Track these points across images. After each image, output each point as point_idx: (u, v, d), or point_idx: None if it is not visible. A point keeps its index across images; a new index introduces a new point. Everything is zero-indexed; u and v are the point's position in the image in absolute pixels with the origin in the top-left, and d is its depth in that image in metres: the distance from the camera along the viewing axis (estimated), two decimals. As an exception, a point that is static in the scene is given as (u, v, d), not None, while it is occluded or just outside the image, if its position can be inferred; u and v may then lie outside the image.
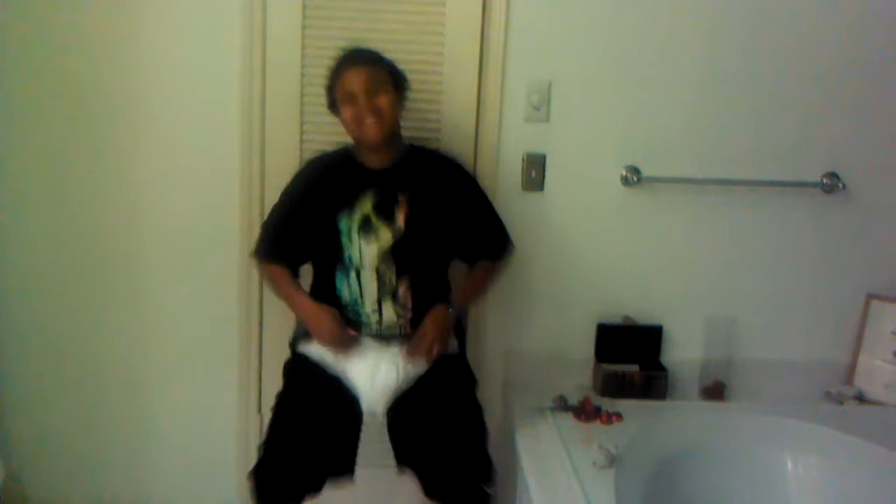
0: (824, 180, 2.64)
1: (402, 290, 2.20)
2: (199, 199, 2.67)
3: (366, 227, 2.19)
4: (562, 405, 2.52)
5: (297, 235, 2.28)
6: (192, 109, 2.62)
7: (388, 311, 2.21)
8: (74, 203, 2.67)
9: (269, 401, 2.41)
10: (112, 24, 2.57)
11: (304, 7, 2.54)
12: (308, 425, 2.23)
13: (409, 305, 2.21)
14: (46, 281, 2.72)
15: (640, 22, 2.57)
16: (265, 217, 2.42)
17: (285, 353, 2.37)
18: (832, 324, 2.77)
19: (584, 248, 2.69)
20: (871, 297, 2.73)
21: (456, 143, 2.60)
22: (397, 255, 2.19)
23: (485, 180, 2.59)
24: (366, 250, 2.19)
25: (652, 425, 2.46)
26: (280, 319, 2.59)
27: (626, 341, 2.69)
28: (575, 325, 2.71)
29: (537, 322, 2.72)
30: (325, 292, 2.24)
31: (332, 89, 2.22)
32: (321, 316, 2.19)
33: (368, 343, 2.20)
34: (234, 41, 2.57)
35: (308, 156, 2.50)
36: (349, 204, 2.20)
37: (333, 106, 2.23)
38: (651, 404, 2.60)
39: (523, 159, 2.62)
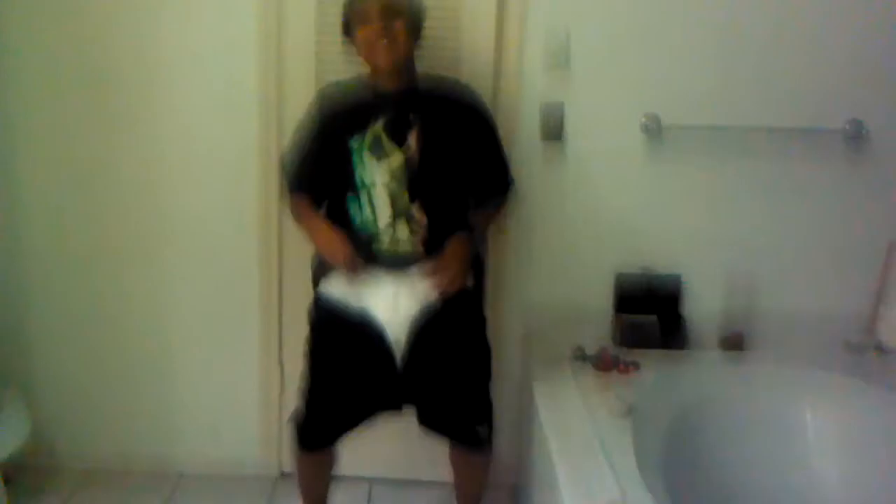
0: (847, 126, 2.60)
1: (415, 211, 2.18)
2: (218, 177, 2.70)
3: (376, 147, 2.16)
4: (580, 355, 2.53)
5: (316, 163, 2.25)
6: (210, 96, 2.64)
7: (402, 229, 2.18)
8: (95, 191, 2.71)
9: (290, 354, 2.43)
10: (130, 14, 2.59)
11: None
12: (342, 368, 2.26)
13: (424, 224, 2.18)
14: (71, 246, 2.76)
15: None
16: (286, 148, 2.40)
17: (304, 307, 2.37)
18: (853, 273, 2.73)
19: (603, 197, 2.67)
20: (893, 245, 2.69)
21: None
22: (409, 177, 2.16)
23: (504, 129, 2.56)
24: (377, 170, 2.16)
25: (670, 375, 2.47)
26: (299, 272, 2.60)
27: (645, 291, 2.67)
28: (594, 276, 2.70)
29: (556, 273, 2.71)
30: (338, 217, 2.22)
31: (347, 10, 2.16)
32: (333, 239, 2.16)
33: (384, 272, 2.19)
34: (251, 31, 2.59)
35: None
36: (360, 125, 2.17)
37: (347, 29, 2.17)
38: (669, 354, 2.60)
39: (541, 108, 2.59)
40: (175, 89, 2.63)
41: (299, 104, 2.40)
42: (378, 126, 2.16)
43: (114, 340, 2.83)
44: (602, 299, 2.70)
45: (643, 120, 2.59)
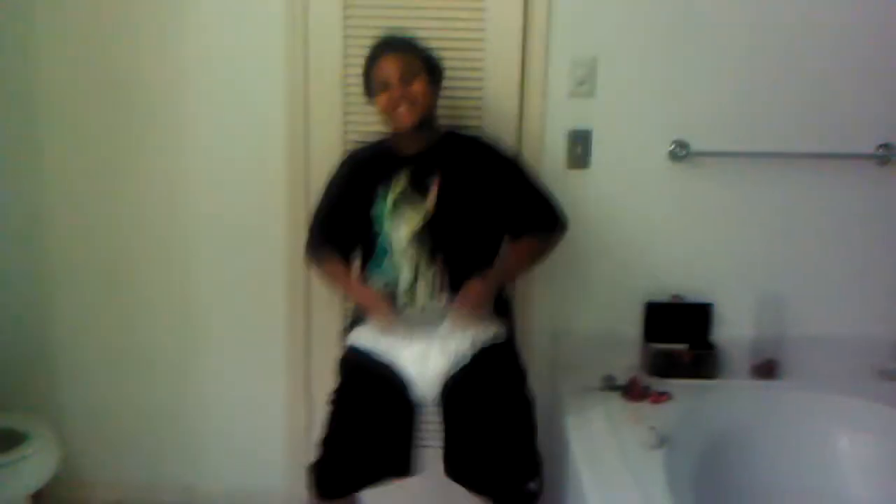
0: (879, 151, 2.57)
1: (436, 271, 2.17)
2: (244, 187, 2.69)
3: (396, 210, 2.17)
4: (610, 385, 2.50)
5: (341, 227, 2.29)
6: (236, 101, 2.64)
7: (422, 293, 2.17)
8: (121, 196, 2.72)
9: (317, 386, 2.42)
10: (155, 18, 2.60)
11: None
12: (365, 420, 2.23)
13: (446, 285, 2.17)
14: (97, 273, 2.78)
15: (686, -7, 2.52)
16: (311, 215, 2.41)
17: (331, 338, 2.38)
18: (885, 299, 2.69)
19: (631, 225, 2.65)
20: (926, 271, 2.67)
21: (499, 120, 2.57)
22: (429, 236, 2.17)
23: (529, 158, 2.57)
24: (395, 234, 2.17)
25: (701, 405, 2.44)
26: (326, 304, 2.61)
27: (675, 319, 2.65)
28: (623, 304, 2.67)
29: (585, 301, 2.69)
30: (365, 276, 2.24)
31: (367, 76, 2.22)
32: (372, 294, 2.19)
33: (415, 327, 2.18)
34: (277, 31, 2.58)
35: (351, 146, 2.49)
36: (382, 190, 2.19)
37: (369, 92, 2.23)
38: (701, 383, 2.57)
39: (568, 136, 2.59)
40: (201, 89, 2.64)
41: (326, 104, 2.53)
42: (398, 189, 2.18)
43: (142, 369, 2.83)
44: (631, 328, 2.68)
45: (671, 146, 2.58)
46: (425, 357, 2.17)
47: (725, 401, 2.51)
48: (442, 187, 2.17)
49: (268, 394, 2.81)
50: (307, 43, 2.57)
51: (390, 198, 2.17)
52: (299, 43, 2.57)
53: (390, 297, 2.18)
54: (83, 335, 2.82)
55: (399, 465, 2.26)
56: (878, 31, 2.53)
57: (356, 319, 2.29)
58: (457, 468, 2.23)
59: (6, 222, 2.73)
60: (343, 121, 2.60)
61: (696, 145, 2.57)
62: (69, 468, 2.77)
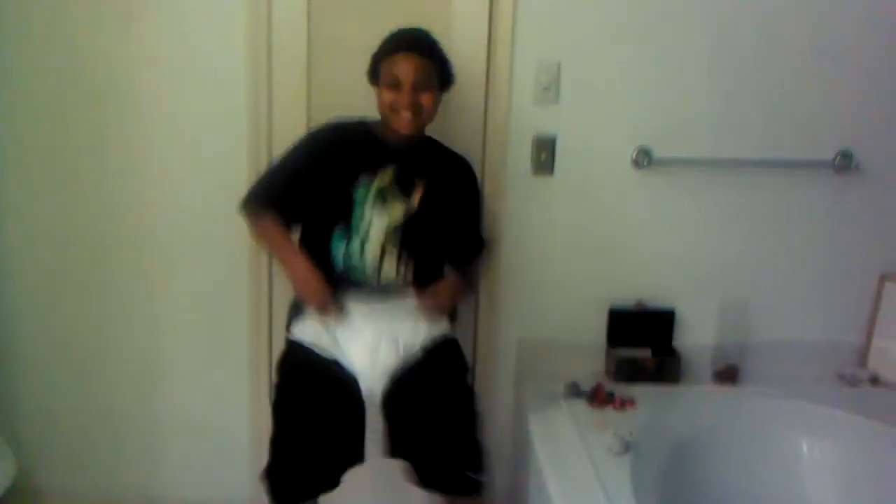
0: (837, 160, 2.61)
1: (404, 256, 2.17)
2: (207, 189, 2.64)
3: (381, 199, 2.15)
4: (575, 391, 2.50)
5: (300, 194, 2.21)
6: (199, 101, 2.59)
7: (390, 264, 2.16)
8: (83, 196, 2.65)
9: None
10: (118, 16, 2.54)
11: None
12: (311, 420, 2.19)
13: (411, 266, 2.18)
14: (56, 274, 2.71)
15: (650, 2, 2.53)
16: (266, 169, 2.36)
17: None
18: (845, 305, 2.74)
19: (595, 231, 2.66)
20: (884, 277, 2.70)
21: (464, 126, 2.57)
22: (405, 233, 2.16)
23: (494, 164, 2.57)
24: (376, 222, 2.15)
25: (665, 410, 2.45)
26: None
27: (639, 326, 2.66)
28: (587, 310, 2.68)
29: (548, 308, 2.69)
30: (316, 253, 2.18)
31: (378, 62, 2.16)
32: (310, 277, 2.12)
33: (361, 311, 2.15)
34: (240, 28, 2.53)
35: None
36: (368, 174, 2.16)
37: (374, 77, 2.18)
38: (664, 389, 2.58)
39: (533, 142, 2.59)
40: (163, 89, 2.58)
41: (289, 105, 2.52)
42: (386, 177, 2.16)
43: (100, 376, 2.77)
44: (595, 333, 2.68)
45: (635, 153, 2.59)
46: (375, 351, 2.13)
47: (689, 406, 2.52)
48: (426, 189, 2.18)
49: (231, 402, 2.77)
50: (270, 43, 2.54)
51: (375, 185, 2.15)
52: (262, 42, 2.54)
53: (350, 271, 2.16)
54: (41, 339, 2.75)
55: (351, 456, 2.22)
56: (837, 40, 2.57)
57: (297, 308, 2.23)
58: (400, 453, 2.23)
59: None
60: (307, 122, 2.57)
61: (659, 152, 2.58)
62: (24, 477, 2.71)
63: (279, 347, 2.60)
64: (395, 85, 2.09)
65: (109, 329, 2.74)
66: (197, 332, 2.74)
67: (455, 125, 2.55)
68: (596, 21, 2.54)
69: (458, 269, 2.31)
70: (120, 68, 2.57)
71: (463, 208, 2.29)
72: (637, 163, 2.59)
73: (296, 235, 2.26)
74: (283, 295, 2.57)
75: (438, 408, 2.21)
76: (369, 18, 2.48)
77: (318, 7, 2.52)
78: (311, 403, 2.20)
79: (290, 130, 2.53)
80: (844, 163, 2.60)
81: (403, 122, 2.11)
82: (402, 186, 2.17)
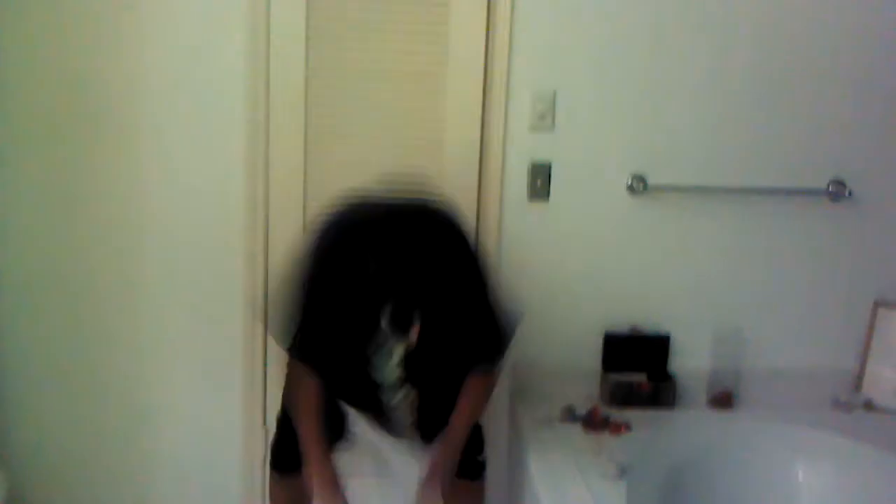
0: (830, 187, 2.64)
1: (411, 399, 2.18)
2: (202, 213, 2.64)
3: (381, 343, 2.08)
4: (570, 416, 2.51)
5: (324, 337, 2.11)
6: (196, 121, 2.59)
7: (400, 403, 2.19)
8: (75, 214, 2.64)
9: (273, 416, 2.39)
10: (114, 33, 2.54)
11: (308, 17, 2.53)
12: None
13: (416, 405, 2.19)
14: (48, 295, 2.69)
15: (644, 29, 2.57)
16: (284, 301, 2.12)
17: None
18: (840, 331, 2.76)
19: (590, 257, 2.68)
20: (878, 304, 2.72)
21: (460, 152, 2.59)
22: (408, 366, 2.13)
23: (490, 190, 2.60)
24: (380, 361, 2.12)
25: (661, 435, 2.45)
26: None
27: (634, 350, 2.67)
28: (582, 335, 2.69)
29: (544, 332, 2.68)
30: (335, 396, 2.22)
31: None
32: (327, 483, 2.13)
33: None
34: (239, 49, 2.54)
35: (311, 172, 2.55)
36: (368, 321, 2.03)
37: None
38: (659, 413, 2.59)
39: (529, 169, 2.61)
40: (160, 108, 2.57)
41: (286, 128, 2.52)
42: (384, 322, 2.01)
43: (93, 401, 2.74)
44: (590, 358, 2.69)
45: (629, 180, 2.62)
46: None
47: (684, 431, 2.53)
48: (423, 322, 2.03)
49: (223, 419, 2.75)
50: (268, 69, 2.55)
51: (377, 326, 2.04)
52: (261, 68, 2.54)
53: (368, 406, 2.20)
54: (31, 357, 2.71)
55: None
56: (830, 69, 2.61)
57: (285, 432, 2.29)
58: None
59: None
60: (304, 145, 2.59)
61: (653, 179, 2.61)
62: (16, 497, 2.68)
63: (273, 375, 2.63)
64: None
65: (100, 351, 2.71)
66: (189, 358, 2.72)
67: (451, 151, 2.58)
68: (591, 50, 2.57)
69: (480, 370, 2.20)
70: (116, 87, 2.56)
71: (469, 313, 2.10)
72: (632, 189, 2.61)
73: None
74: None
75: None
76: (367, 58, 2.54)
77: (317, 37, 2.54)
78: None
79: (285, 157, 2.59)
80: (838, 190, 2.63)
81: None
82: (401, 325, 2.02)
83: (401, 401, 2.18)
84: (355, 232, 1.98)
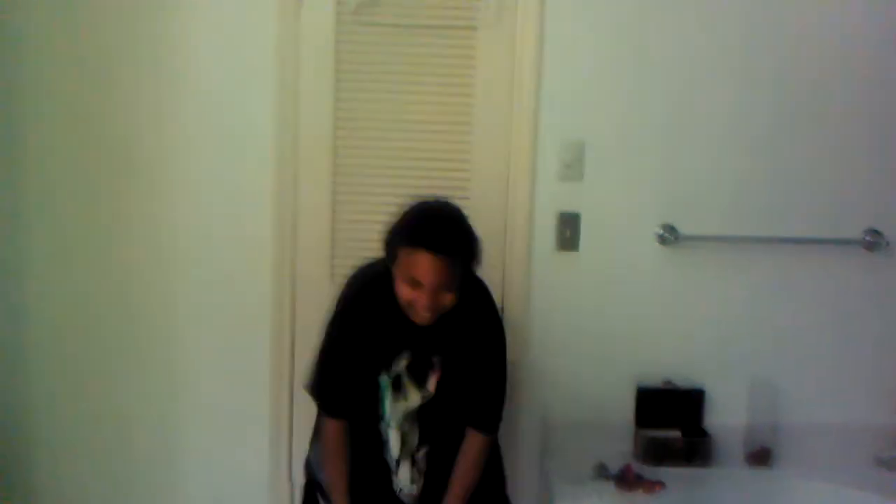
0: (866, 237, 2.58)
1: (420, 456, 2.14)
2: (231, 255, 2.63)
3: (397, 386, 2.09)
4: (602, 473, 2.44)
5: (349, 386, 2.12)
6: (225, 169, 2.60)
7: (404, 473, 2.14)
8: (104, 256, 2.64)
9: (298, 467, 2.36)
10: (146, 82, 2.57)
11: (337, 69, 2.54)
12: None
13: (424, 471, 2.15)
14: (76, 338, 2.69)
15: (671, 78, 2.55)
16: (319, 358, 2.16)
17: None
18: (880, 385, 2.67)
19: (620, 308, 2.62)
20: (920, 356, 2.64)
21: (487, 202, 2.57)
22: (422, 418, 2.12)
23: (517, 240, 2.56)
24: (393, 409, 2.11)
25: (696, 494, 2.38)
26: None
27: (667, 405, 2.60)
28: (613, 389, 2.62)
29: (574, 386, 2.63)
30: (357, 443, 2.16)
31: (395, 245, 1.97)
32: None
33: None
34: (268, 99, 2.55)
35: (339, 219, 2.55)
36: (387, 361, 2.08)
37: (390, 256, 1.99)
38: (694, 471, 2.51)
39: (557, 218, 2.58)
40: (190, 154, 2.59)
41: (314, 176, 2.55)
42: (402, 364, 2.08)
43: (118, 442, 2.72)
44: (622, 413, 2.62)
45: (659, 230, 2.57)
46: None
47: (720, 489, 2.45)
48: (442, 372, 2.09)
49: (250, 472, 2.72)
50: (297, 119, 2.56)
51: (393, 373, 2.08)
52: (289, 117, 2.55)
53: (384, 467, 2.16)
54: (61, 400, 2.70)
55: None
56: (863, 113, 2.57)
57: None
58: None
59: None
60: (332, 192, 2.59)
61: (684, 229, 2.57)
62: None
63: (300, 428, 2.57)
64: (415, 284, 1.93)
65: (129, 403, 2.70)
66: (216, 410, 2.70)
67: (477, 201, 2.55)
68: (619, 100, 2.56)
69: (481, 430, 2.15)
70: (146, 135, 2.58)
71: (478, 370, 2.13)
72: (662, 239, 2.57)
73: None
74: (304, 369, 2.55)
75: None
76: (395, 98, 2.55)
77: (344, 87, 2.55)
78: None
79: (314, 202, 2.60)
80: (875, 239, 2.56)
81: (420, 317, 1.98)
82: (419, 370, 2.09)
83: (408, 473, 2.14)
84: (383, 280, 2.02)
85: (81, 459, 2.74)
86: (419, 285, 1.92)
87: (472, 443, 2.13)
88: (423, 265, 1.89)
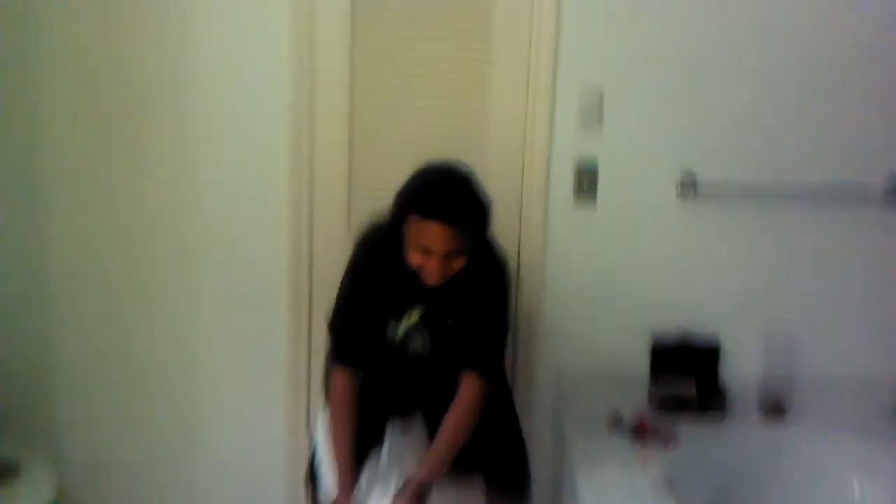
0: (887, 181, 2.53)
1: (424, 343, 2.17)
2: (247, 221, 2.67)
3: (407, 338, 2.14)
4: (617, 424, 2.44)
5: (362, 338, 2.17)
6: (240, 109, 2.60)
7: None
8: (124, 225, 2.68)
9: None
10: (161, 54, 2.57)
11: (354, 14, 2.52)
12: None
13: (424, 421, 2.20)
14: (98, 301, 2.74)
15: (691, 24, 2.49)
16: (334, 314, 2.20)
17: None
18: (897, 338, 2.65)
19: (637, 259, 2.61)
20: (940, 308, 2.61)
21: (503, 151, 2.54)
22: (426, 369, 2.16)
23: (534, 190, 2.53)
24: (401, 360, 2.16)
25: (711, 446, 2.37)
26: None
27: (683, 358, 2.58)
28: (629, 341, 2.62)
29: (590, 337, 2.64)
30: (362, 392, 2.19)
31: (404, 211, 1.97)
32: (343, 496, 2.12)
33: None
34: (284, 40, 2.54)
35: (356, 186, 2.58)
36: (398, 313, 2.12)
37: (399, 221, 2.00)
38: (709, 423, 2.50)
39: (575, 169, 2.54)
40: (205, 127, 2.62)
41: (331, 144, 2.57)
42: (414, 317, 2.12)
43: (141, 404, 2.79)
44: (638, 365, 2.61)
45: (678, 176, 2.54)
46: None
47: (735, 442, 2.44)
48: (452, 327, 2.13)
49: (268, 423, 2.77)
50: (313, 62, 2.55)
51: (404, 325, 2.13)
52: (306, 58, 2.55)
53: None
54: (84, 362, 2.77)
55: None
56: (884, 60, 2.50)
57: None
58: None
59: (5, 249, 2.68)
60: (348, 133, 2.59)
61: (703, 180, 2.53)
62: (67, 500, 2.71)
63: (317, 379, 2.59)
64: (425, 251, 1.95)
65: (149, 358, 2.77)
66: (234, 362, 2.76)
67: (495, 149, 2.52)
68: (638, 46, 2.51)
69: (477, 372, 2.15)
70: (161, 76, 2.59)
71: (481, 317, 2.14)
72: (681, 190, 2.53)
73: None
74: (321, 321, 2.55)
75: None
76: (411, 45, 2.53)
77: (361, 34, 2.53)
78: None
79: (330, 172, 2.61)
80: (894, 185, 2.52)
81: (431, 279, 1.99)
82: (431, 324, 2.13)
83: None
84: (386, 242, 2.07)
85: (103, 419, 2.81)
86: (427, 252, 1.94)
87: (466, 385, 2.13)
88: (432, 234, 1.92)
